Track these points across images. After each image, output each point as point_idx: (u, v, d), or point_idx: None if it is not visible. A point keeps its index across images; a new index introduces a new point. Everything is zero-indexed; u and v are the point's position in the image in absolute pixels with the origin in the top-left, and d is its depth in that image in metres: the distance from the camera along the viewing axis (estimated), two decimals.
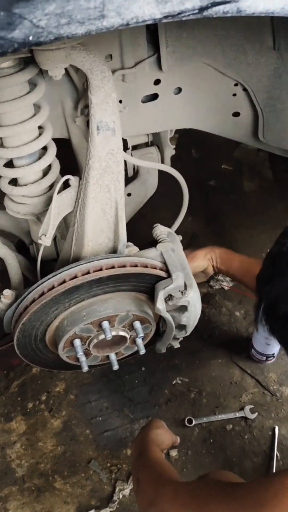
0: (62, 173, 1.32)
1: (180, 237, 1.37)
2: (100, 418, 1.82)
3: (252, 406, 1.79)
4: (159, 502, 1.01)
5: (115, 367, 1.35)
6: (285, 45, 1.28)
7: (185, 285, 1.24)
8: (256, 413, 1.78)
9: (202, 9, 0.55)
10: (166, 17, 0.56)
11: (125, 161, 1.53)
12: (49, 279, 1.16)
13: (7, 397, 1.88)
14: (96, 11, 0.53)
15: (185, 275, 1.25)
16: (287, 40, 1.27)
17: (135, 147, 1.76)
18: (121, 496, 1.64)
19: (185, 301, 1.26)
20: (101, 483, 1.68)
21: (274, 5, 0.59)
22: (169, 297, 1.25)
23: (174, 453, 1.72)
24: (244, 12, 0.58)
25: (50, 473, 1.71)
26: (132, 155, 1.66)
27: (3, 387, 1.91)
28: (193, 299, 1.27)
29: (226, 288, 2.14)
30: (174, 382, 1.89)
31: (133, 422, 1.80)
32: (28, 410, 1.85)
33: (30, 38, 0.53)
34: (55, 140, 1.36)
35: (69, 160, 1.46)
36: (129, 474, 1.69)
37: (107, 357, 1.37)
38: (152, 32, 1.30)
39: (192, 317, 1.34)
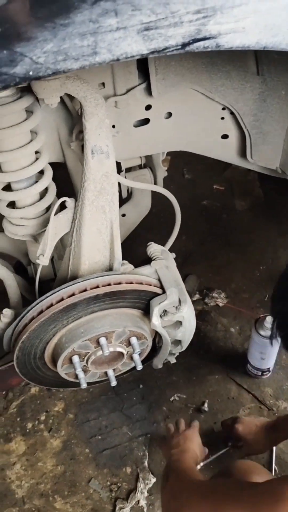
0: (58, 195, 1.37)
1: (173, 255, 1.42)
2: (99, 437, 1.83)
3: None
4: (180, 497, 1.07)
5: (113, 383, 1.38)
6: (267, 70, 1.35)
7: (180, 301, 1.29)
8: None
9: (184, 45, 0.61)
10: (152, 52, 0.62)
11: (119, 183, 1.60)
12: (47, 297, 1.20)
13: (6, 418, 1.89)
14: (89, 49, 0.59)
15: (179, 291, 1.29)
16: (270, 66, 1.34)
17: (129, 170, 1.82)
18: None
19: (180, 317, 1.30)
20: (102, 502, 1.68)
21: (249, 40, 0.65)
22: (164, 313, 1.29)
23: None
24: (223, 47, 0.64)
25: (51, 493, 1.72)
26: (125, 177, 1.72)
27: (2, 408, 1.92)
28: (188, 314, 1.31)
29: (221, 304, 2.18)
30: (172, 398, 1.91)
31: (132, 440, 1.81)
32: (28, 430, 1.86)
33: (30, 73, 0.58)
34: (52, 163, 1.41)
35: (66, 182, 1.52)
36: (129, 492, 1.70)
37: (105, 373, 1.39)
38: (142, 61, 1.37)
39: (187, 332, 1.38)
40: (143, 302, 1.29)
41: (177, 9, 0.58)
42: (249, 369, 1.92)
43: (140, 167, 1.84)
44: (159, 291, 1.27)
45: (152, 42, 0.60)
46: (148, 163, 1.82)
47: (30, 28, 0.54)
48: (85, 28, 0.57)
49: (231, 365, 1.99)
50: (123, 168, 1.72)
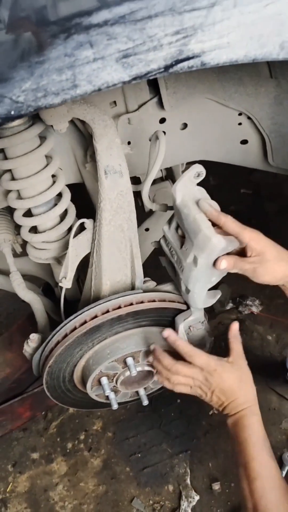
0: (81, 216, 1.37)
1: None
2: (139, 455, 1.81)
3: None
4: None
5: (145, 402, 1.36)
6: (281, 73, 1.30)
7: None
8: None
9: (167, 67, 0.60)
10: (134, 79, 0.60)
11: (140, 198, 1.58)
12: (70, 320, 1.20)
13: (46, 438, 1.91)
14: (68, 82, 0.58)
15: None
16: (283, 68, 1.30)
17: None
18: None
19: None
20: None
21: (236, 54, 0.62)
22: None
23: (216, 486, 1.68)
24: (209, 64, 0.62)
25: None
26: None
27: (43, 429, 1.94)
28: None
29: (255, 312, 2.12)
30: (211, 412, 1.86)
31: (172, 457, 1.78)
32: (68, 450, 1.86)
33: (12, 112, 0.58)
34: (73, 184, 1.42)
35: (88, 202, 1.52)
36: (172, 511, 1.67)
37: (137, 392, 1.38)
38: None
39: None
40: (168, 319, 1.27)
41: (154, 33, 0.56)
42: None
43: (161, 179, 1.83)
44: (183, 307, 1.25)
45: (133, 68, 0.59)
46: (168, 175, 1.80)
47: (6, 69, 0.54)
48: (61, 63, 0.57)
49: (270, 374, 1.92)
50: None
